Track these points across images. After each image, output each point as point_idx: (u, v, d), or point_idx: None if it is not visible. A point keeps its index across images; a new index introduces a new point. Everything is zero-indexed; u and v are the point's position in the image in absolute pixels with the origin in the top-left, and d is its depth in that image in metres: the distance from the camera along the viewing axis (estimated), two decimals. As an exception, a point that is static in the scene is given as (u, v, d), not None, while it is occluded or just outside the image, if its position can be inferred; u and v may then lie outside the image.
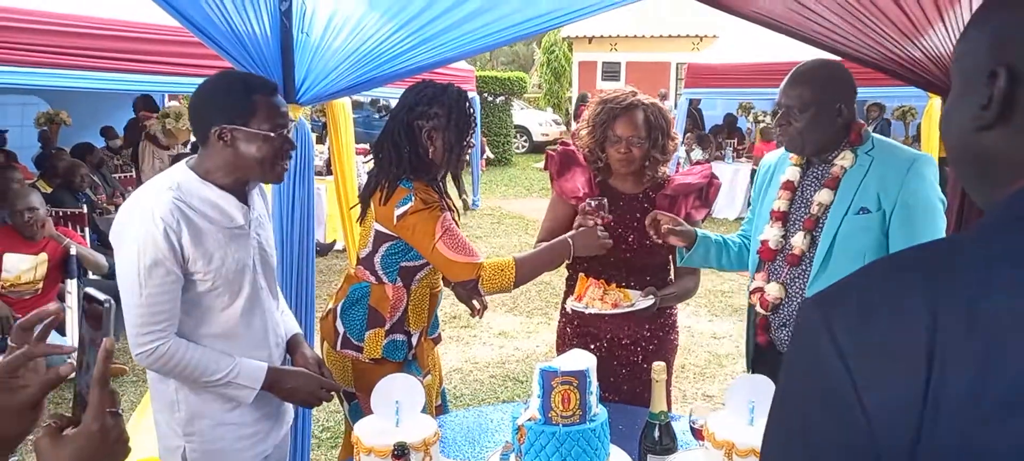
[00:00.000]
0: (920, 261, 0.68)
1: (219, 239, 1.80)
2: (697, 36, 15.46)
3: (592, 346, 2.48)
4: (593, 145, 2.46)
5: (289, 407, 2.12)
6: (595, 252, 2.30)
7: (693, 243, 2.31)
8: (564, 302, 2.52)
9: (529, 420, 1.86)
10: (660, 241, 2.30)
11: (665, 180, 2.51)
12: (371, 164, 2.48)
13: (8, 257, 3.85)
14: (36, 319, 1.00)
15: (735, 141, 11.26)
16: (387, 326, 2.25)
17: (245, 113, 1.79)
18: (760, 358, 2.34)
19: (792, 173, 2.19)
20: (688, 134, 10.75)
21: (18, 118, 7.87)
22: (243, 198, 1.88)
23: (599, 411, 1.91)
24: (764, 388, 1.80)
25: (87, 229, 5.10)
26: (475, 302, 2.57)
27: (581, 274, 2.39)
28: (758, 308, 2.22)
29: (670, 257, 2.54)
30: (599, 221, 2.32)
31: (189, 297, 1.79)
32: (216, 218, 1.81)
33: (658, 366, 1.87)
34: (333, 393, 2.06)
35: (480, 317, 2.65)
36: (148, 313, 1.71)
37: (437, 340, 2.47)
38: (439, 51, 2.93)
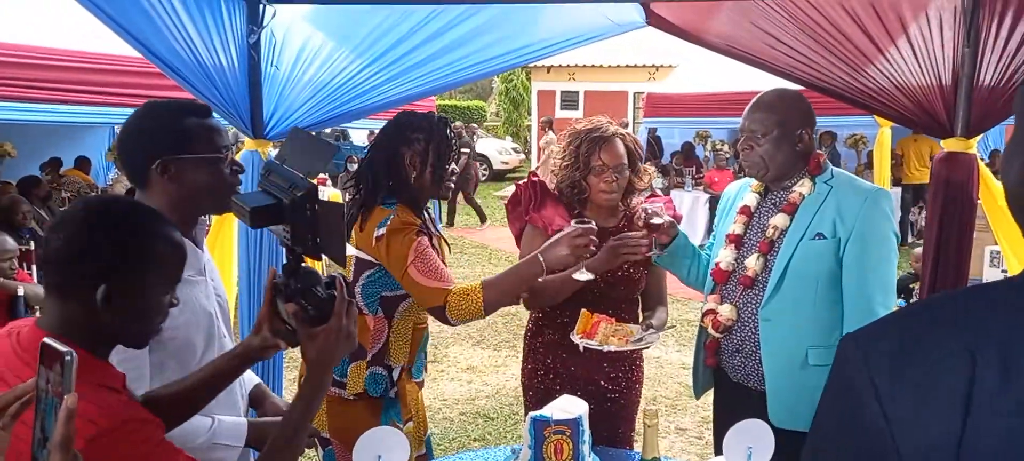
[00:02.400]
0: (960, 305, 0.67)
1: (181, 289, 1.68)
2: (654, 66, 15.73)
3: (561, 389, 2.36)
4: (575, 177, 2.37)
5: None
6: (566, 264, 2.12)
7: (673, 238, 2.26)
8: (556, 337, 2.38)
9: (520, 472, 1.79)
10: (643, 235, 2.21)
11: (631, 211, 2.47)
12: (337, 194, 2.39)
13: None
14: (13, 398, 0.90)
15: (693, 169, 11.42)
16: (367, 357, 2.14)
17: (182, 140, 1.63)
18: (708, 384, 2.32)
19: (750, 199, 2.21)
20: (647, 163, 10.86)
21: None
22: (194, 241, 1.74)
23: (592, 459, 1.84)
24: (761, 433, 1.76)
25: (34, 266, 4.85)
26: None
27: (584, 310, 2.28)
28: (710, 330, 2.20)
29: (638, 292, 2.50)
30: (589, 244, 2.13)
31: (157, 359, 1.65)
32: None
33: (650, 411, 1.82)
34: (313, 439, 1.96)
35: None
36: None
37: (421, 384, 2.35)
38: (408, 86, 2.92)
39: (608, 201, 2.36)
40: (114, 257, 1.19)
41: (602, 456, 2.04)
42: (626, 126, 12.43)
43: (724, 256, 2.18)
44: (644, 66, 15.57)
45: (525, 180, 2.49)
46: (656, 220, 2.18)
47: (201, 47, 2.22)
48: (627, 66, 16.02)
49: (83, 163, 8.64)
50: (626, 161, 2.36)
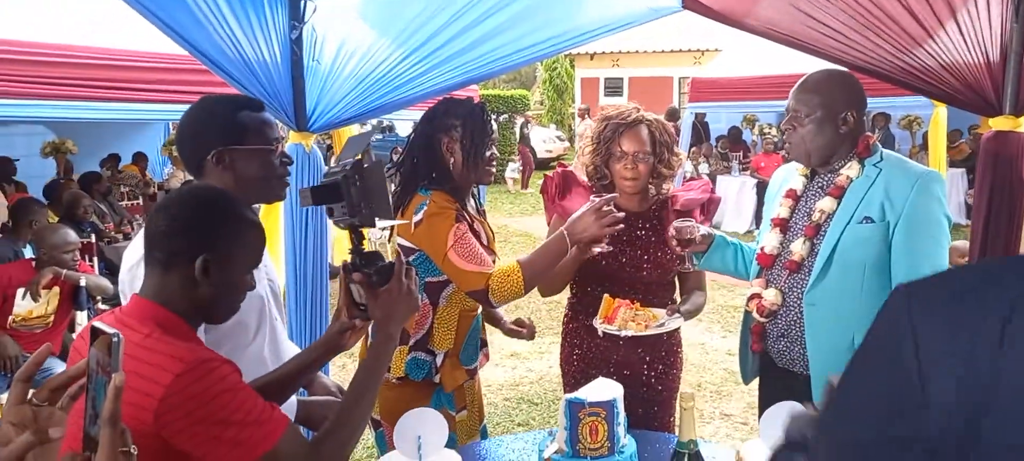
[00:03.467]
0: (1010, 265, 0.68)
1: None
2: (699, 50, 15.47)
3: (601, 372, 2.37)
4: (598, 163, 2.40)
5: None
6: (594, 238, 2.11)
7: (709, 246, 2.28)
8: (589, 322, 2.39)
9: (556, 452, 1.82)
10: (680, 251, 2.25)
11: (669, 197, 2.47)
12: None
13: (21, 292, 3.81)
14: (67, 379, 0.96)
15: (740, 154, 11.23)
16: (410, 342, 2.20)
17: (237, 133, 1.73)
18: (756, 369, 2.30)
19: (796, 182, 2.18)
20: (693, 148, 10.73)
21: (24, 148, 7.88)
22: None
23: (627, 442, 1.86)
24: (798, 415, 1.75)
25: (95, 258, 5.07)
26: (518, 328, 2.54)
27: (606, 296, 2.31)
28: (755, 314, 2.18)
29: (676, 274, 2.50)
30: (614, 217, 2.13)
31: (212, 338, 1.74)
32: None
33: (686, 394, 1.83)
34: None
35: (530, 337, 2.57)
36: None
37: (472, 372, 2.34)
38: (449, 76, 2.93)
39: (630, 187, 2.37)
40: (212, 233, 1.36)
41: (640, 439, 2.06)
42: (674, 112, 12.34)
43: (769, 240, 2.16)
44: (689, 51, 15.33)
45: (554, 170, 2.51)
46: (688, 236, 2.20)
47: (245, 43, 2.29)
48: (672, 51, 15.80)
49: (140, 158, 8.95)
50: (649, 148, 2.36)
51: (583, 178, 2.50)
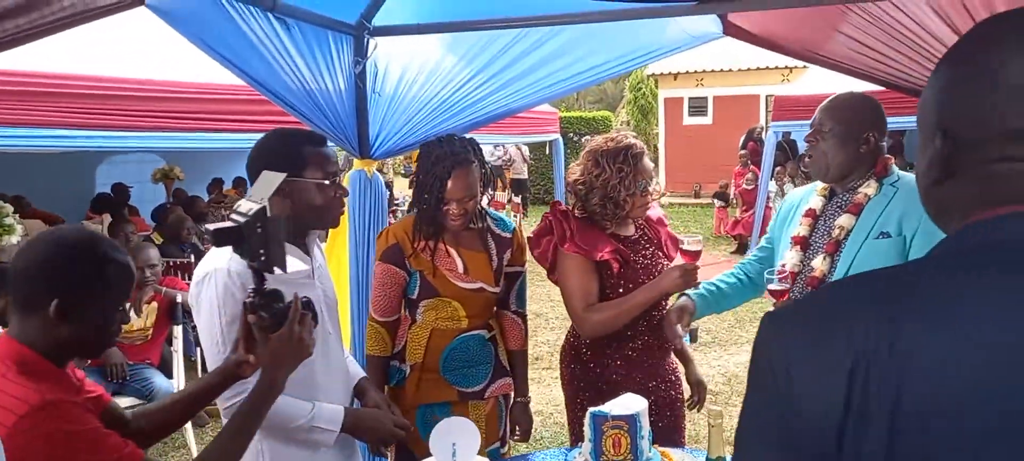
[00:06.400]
0: (865, 285, 0.75)
1: (289, 290, 1.94)
2: (787, 68, 15.08)
3: (603, 387, 2.38)
4: (621, 195, 2.32)
5: (358, 453, 2.21)
6: (678, 289, 2.31)
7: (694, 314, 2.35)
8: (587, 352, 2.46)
9: (582, 463, 1.91)
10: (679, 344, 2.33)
11: (646, 220, 2.49)
12: None
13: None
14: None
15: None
16: (392, 351, 2.44)
17: (299, 165, 1.89)
18: None
19: (816, 202, 2.24)
20: (777, 168, 10.47)
21: (136, 174, 8.57)
22: (305, 249, 2.02)
23: (651, 455, 1.93)
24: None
25: (190, 277, 5.48)
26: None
27: None
28: None
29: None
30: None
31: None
32: (283, 271, 1.94)
33: (714, 411, 1.88)
34: (404, 432, 2.11)
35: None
36: None
37: (474, 394, 2.43)
38: (518, 96, 3.00)
39: (643, 212, 2.42)
40: (66, 277, 1.36)
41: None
42: (761, 130, 11.97)
43: (790, 258, 2.22)
44: (776, 68, 14.93)
45: (550, 210, 2.46)
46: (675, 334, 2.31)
47: (310, 79, 2.51)
48: (758, 69, 15.44)
49: (240, 183, 9.57)
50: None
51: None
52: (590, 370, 2.42)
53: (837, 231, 2.11)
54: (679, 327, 2.28)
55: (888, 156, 2.13)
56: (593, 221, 2.38)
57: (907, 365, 0.66)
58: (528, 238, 2.53)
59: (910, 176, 2.12)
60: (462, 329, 2.40)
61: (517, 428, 2.59)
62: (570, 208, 2.43)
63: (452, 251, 2.38)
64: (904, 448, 0.65)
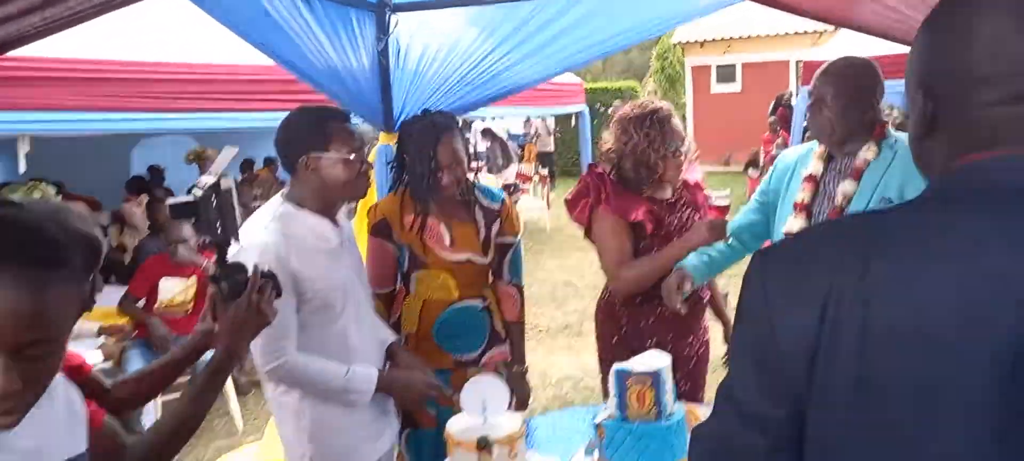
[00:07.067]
0: (844, 225, 0.82)
1: (321, 260, 2.01)
2: (816, 32, 14.78)
3: (636, 345, 2.45)
4: (653, 159, 2.40)
5: (393, 415, 2.30)
6: (705, 242, 2.37)
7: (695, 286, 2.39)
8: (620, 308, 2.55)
9: (607, 418, 1.97)
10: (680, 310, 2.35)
11: (683, 183, 2.55)
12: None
13: (164, 282, 4.38)
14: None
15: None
16: (390, 320, 2.45)
17: (325, 141, 1.98)
18: None
19: (815, 167, 2.23)
20: (808, 133, 10.32)
21: (170, 156, 8.77)
22: (334, 220, 2.10)
23: (676, 410, 1.98)
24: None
25: (229, 254, 5.64)
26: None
27: None
28: None
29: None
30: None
31: (302, 317, 2.00)
32: (315, 241, 2.02)
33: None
34: (438, 392, 2.20)
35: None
36: (272, 334, 1.80)
37: (470, 362, 2.48)
38: (542, 65, 2.98)
39: (677, 175, 2.47)
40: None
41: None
42: (790, 96, 11.84)
43: (794, 224, 2.22)
44: (806, 32, 14.63)
45: (587, 172, 2.54)
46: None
47: (335, 57, 2.56)
48: (787, 34, 15.14)
49: (271, 163, 9.74)
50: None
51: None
52: (623, 329, 2.51)
53: (840, 198, 2.12)
54: (681, 295, 2.32)
55: (884, 120, 2.13)
56: (629, 185, 2.45)
57: (873, 297, 0.71)
58: (565, 200, 2.60)
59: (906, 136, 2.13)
60: (454, 300, 2.42)
61: (514, 396, 2.64)
62: (607, 171, 2.50)
63: (440, 223, 2.40)
64: (870, 376, 0.70)
